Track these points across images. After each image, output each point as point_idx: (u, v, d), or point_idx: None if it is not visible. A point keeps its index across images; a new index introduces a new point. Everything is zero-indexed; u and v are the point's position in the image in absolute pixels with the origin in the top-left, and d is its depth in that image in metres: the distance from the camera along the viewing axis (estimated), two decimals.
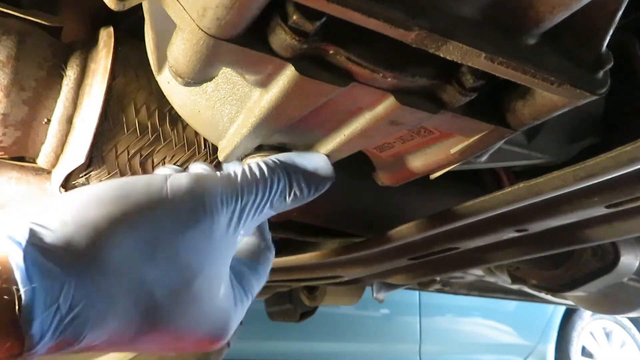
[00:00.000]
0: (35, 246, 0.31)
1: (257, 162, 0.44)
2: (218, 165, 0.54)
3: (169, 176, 0.40)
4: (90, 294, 0.32)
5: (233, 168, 0.44)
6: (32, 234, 0.32)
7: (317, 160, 0.47)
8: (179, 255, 0.38)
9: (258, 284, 0.49)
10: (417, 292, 3.02)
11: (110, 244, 0.34)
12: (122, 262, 0.35)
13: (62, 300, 0.31)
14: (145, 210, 0.37)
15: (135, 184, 0.38)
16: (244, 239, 0.51)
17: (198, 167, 0.50)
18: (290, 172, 0.45)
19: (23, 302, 0.29)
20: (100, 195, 0.36)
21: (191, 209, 0.39)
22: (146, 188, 0.38)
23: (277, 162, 0.45)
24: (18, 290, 0.29)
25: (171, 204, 0.38)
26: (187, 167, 0.54)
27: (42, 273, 0.30)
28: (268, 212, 0.45)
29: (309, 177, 0.46)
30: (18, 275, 0.29)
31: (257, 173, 0.43)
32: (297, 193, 0.45)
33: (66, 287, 0.31)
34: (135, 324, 0.36)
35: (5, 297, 0.28)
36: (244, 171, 0.43)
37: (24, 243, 0.31)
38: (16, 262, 0.30)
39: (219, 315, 0.43)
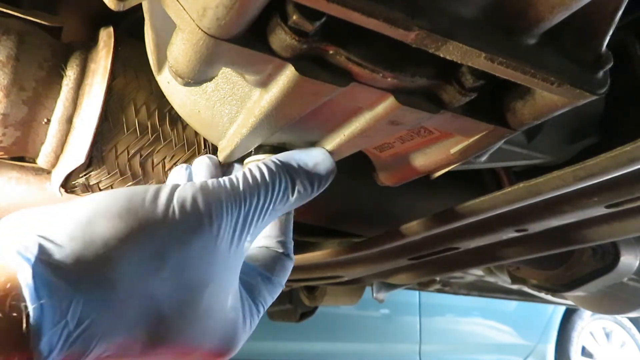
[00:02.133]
0: (44, 263, 0.31)
1: (257, 165, 0.44)
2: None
3: (176, 188, 0.40)
4: (98, 309, 0.33)
5: (234, 172, 0.43)
6: (41, 250, 0.32)
7: (316, 155, 0.47)
8: (186, 269, 0.38)
9: (271, 295, 0.49)
10: (417, 292, 3.02)
11: (118, 259, 0.34)
12: (130, 277, 0.35)
13: (70, 316, 0.31)
14: (153, 225, 0.37)
15: (143, 197, 0.38)
16: (263, 245, 0.50)
17: (202, 162, 0.50)
18: (292, 171, 0.45)
19: (32, 319, 0.29)
20: (108, 207, 0.36)
21: (197, 223, 0.39)
22: (153, 202, 0.38)
23: (278, 162, 0.45)
24: (26, 307, 0.29)
25: (178, 219, 0.38)
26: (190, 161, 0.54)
27: (50, 290, 0.30)
28: (273, 215, 0.45)
29: (311, 174, 0.46)
30: (27, 293, 0.29)
31: (258, 176, 0.43)
32: (301, 191, 0.45)
33: (74, 303, 0.31)
34: (143, 338, 0.36)
35: (14, 314, 0.29)
36: (245, 176, 0.43)
37: (33, 259, 0.31)
38: (25, 279, 0.30)
39: (227, 327, 0.43)
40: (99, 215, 0.35)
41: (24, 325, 0.29)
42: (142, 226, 0.36)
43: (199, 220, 0.39)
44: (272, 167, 0.44)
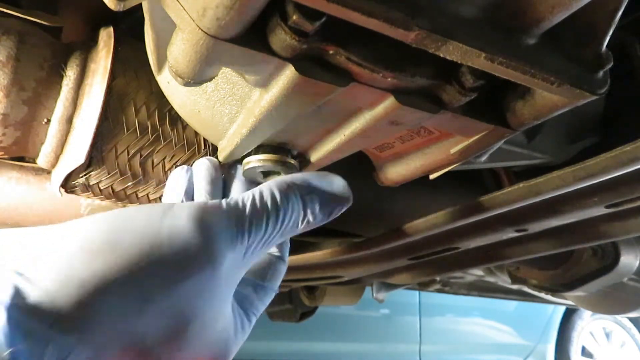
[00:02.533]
0: (19, 305, 0.30)
1: (270, 189, 0.40)
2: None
3: (168, 210, 0.36)
4: (76, 350, 0.32)
5: (240, 190, 0.40)
6: (17, 292, 0.31)
7: (334, 183, 0.43)
8: (174, 306, 0.35)
9: (263, 302, 0.47)
10: (417, 292, 3.02)
11: (96, 300, 0.32)
12: (110, 316, 0.33)
13: (48, 358, 0.30)
14: (138, 261, 0.33)
15: (130, 226, 0.34)
16: None
17: (202, 164, 0.49)
18: (306, 198, 0.41)
19: None
20: (90, 241, 0.34)
21: (193, 262, 0.35)
22: (141, 232, 0.34)
23: (292, 186, 0.41)
24: None
25: (169, 252, 0.34)
26: (192, 163, 0.53)
27: (25, 333, 0.30)
28: (277, 242, 0.41)
29: (325, 204, 0.42)
30: (1, 338, 0.29)
31: (269, 203, 0.39)
32: (311, 219, 0.41)
33: (51, 345, 0.30)
34: None
35: None
36: (253, 202, 0.38)
37: (8, 302, 0.30)
38: None
39: (217, 346, 0.41)
40: (81, 251, 0.33)
41: None
42: (126, 262, 0.33)
43: (195, 258, 0.35)
44: (285, 190, 0.40)
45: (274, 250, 0.49)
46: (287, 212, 0.39)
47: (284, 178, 0.42)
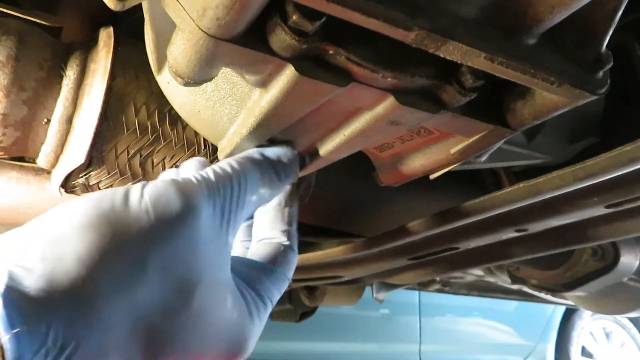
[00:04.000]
0: (15, 290, 0.30)
1: (226, 161, 0.45)
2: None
3: (145, 185, 0.38)
4: (81, 330, 0.31)
5: (205, 170, 0.43)
6: (11, 277, 0.30)
7: (279, 148, 0.48)
8: (170, 271, 0.36)
9: (277, 288, 0.48)
10: (417, 292, 3.02)
11: (95, 273, 0.32)
12: (110, 290, 0.33)
13: (52, 342, 0.29)
14: (127, 230, 0.35)
15: (112, 201, 0.36)
16: (267, 237, 0.51)
17: (191, 162, 0.50)
18: (257, 163, 0.46)
19: (9, 351, 0.27)
20: (77, 219, 0.34)
21: (175, 219, 0.37)
22: (124, 205, 0.36)
23: (243, 156, 0.46)
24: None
25: (153, 218, 0.36)
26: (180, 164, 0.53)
27: (24, 318, 0.29)
28: (249, 207, 0.45)
29: (275, 164, 0.47)
30: (0, 324, 0.28)
31: (229, 169, 0.43)
32: (268, 181, 0.46)
33: (53, 328, 0.30)
34: (138, 353, 0.35)
35: None
36: (215, 171, 0.43)
37: (2, 288, 0.29)
38: None
39: (233, 329, 0.41)
40: (70, 229, 0.33)
41: (1, 358, 0.27)
42: (116, 233, 0.34)
43: (176, 216, 0.37)
44: (239, 159, 0.45)
45: (282, 239, 0.51)
46: (247, 174, 0.44)
47: (239, 154, 0.47)
